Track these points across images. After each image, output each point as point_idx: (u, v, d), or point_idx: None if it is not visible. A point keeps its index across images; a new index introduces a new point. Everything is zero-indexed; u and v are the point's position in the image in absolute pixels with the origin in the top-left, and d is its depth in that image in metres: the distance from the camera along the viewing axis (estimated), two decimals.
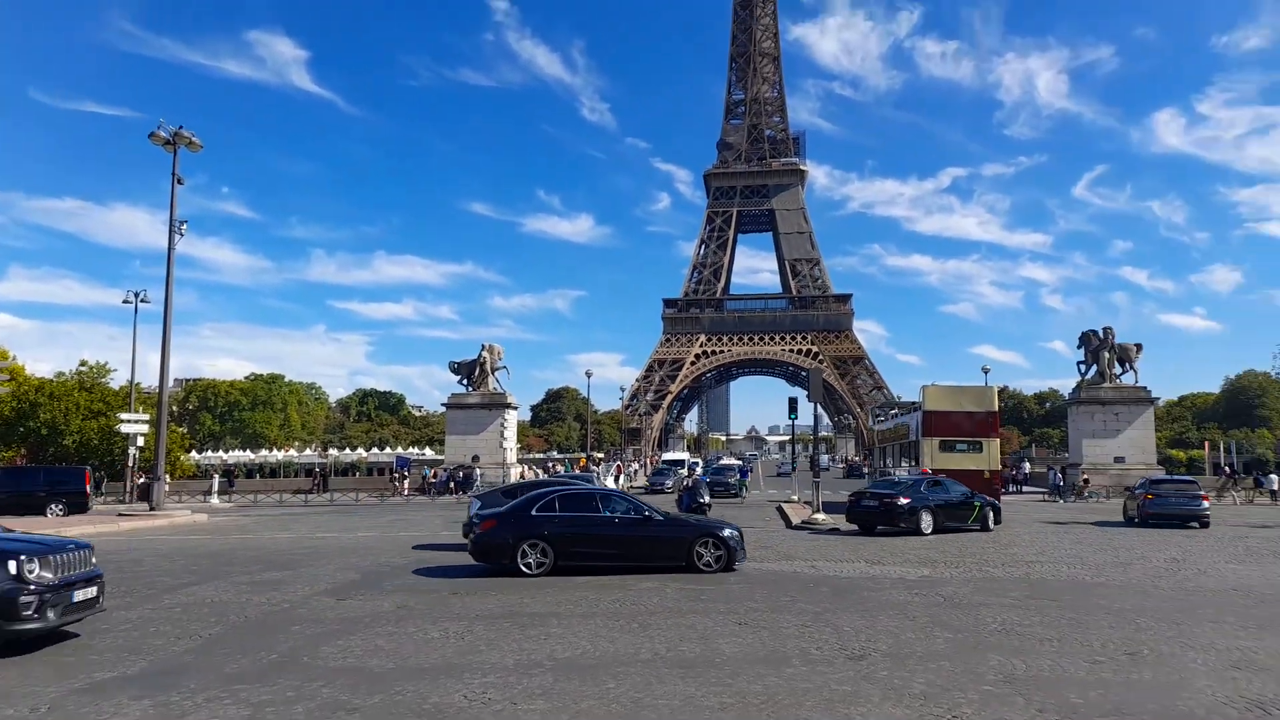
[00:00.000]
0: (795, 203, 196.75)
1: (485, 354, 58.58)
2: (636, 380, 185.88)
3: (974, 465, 34.09)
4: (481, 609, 13.11)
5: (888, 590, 14.89)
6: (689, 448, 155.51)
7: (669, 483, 52.80)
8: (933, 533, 25.12)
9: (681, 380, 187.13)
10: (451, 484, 52.00)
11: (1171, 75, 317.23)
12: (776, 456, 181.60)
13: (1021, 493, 50.21)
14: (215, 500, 46.08)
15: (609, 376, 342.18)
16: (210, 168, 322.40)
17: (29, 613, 9.62)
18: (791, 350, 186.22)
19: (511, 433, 58.98)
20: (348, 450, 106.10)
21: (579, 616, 12.40)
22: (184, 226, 34.32)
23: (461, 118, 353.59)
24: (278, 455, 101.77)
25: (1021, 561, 19.14)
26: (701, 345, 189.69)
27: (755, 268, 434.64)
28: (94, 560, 11.06)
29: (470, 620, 12.17)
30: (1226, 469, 52.93)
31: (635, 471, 76.13)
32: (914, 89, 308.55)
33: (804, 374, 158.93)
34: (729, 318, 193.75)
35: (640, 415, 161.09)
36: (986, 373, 62.99)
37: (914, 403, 42.44)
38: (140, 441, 44.04)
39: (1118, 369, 52.27)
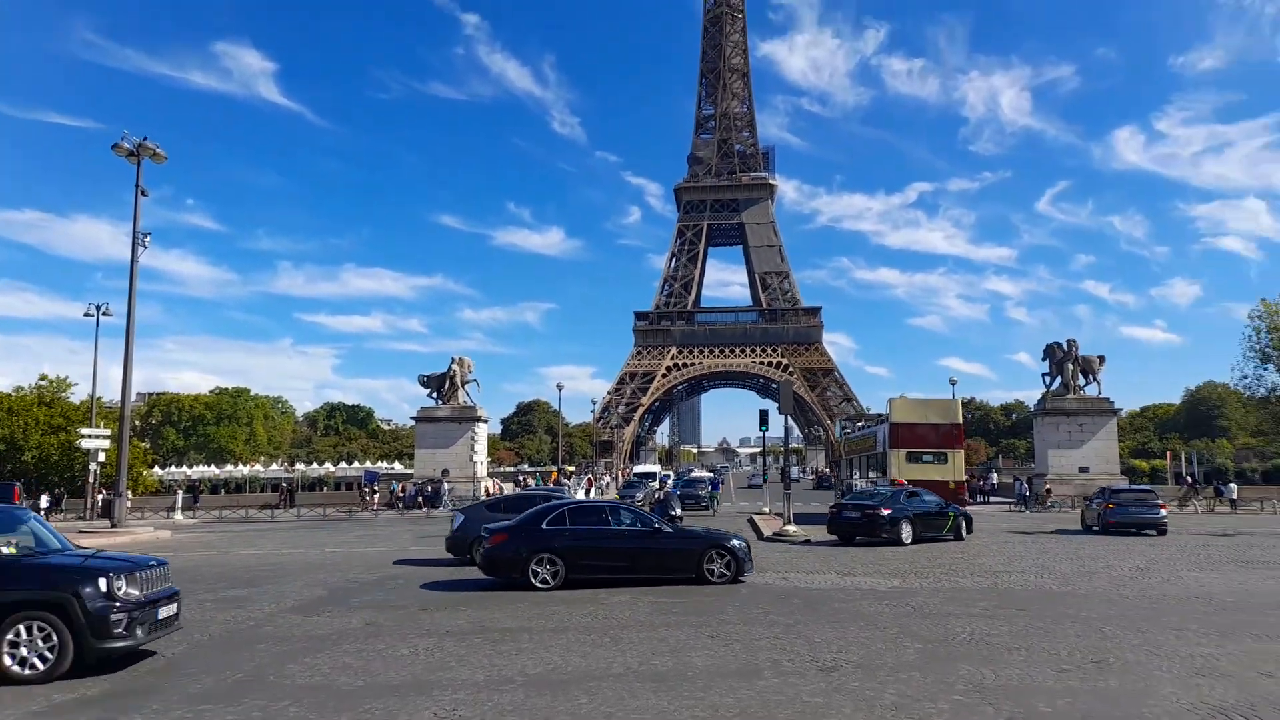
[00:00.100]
0: (765, 216, 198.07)
1: (455, 367, 58.20)
2: (608, 393, 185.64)
3: (939, 476, 34.58)
4: (451, 625, 12.98)
5: (859, 601, 14.96)
6: (661, 460, 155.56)
7: (639, 496, 52.57)
8: (913, 543, 25.50)
9: (653, 393, 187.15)
10: (419, 498, 51.52)
11: (1131, 94, 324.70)
12: (748, 468, 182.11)
13: (989, 503, 50.75)
14: (179, 517, 45.28)
15: (580, 389, 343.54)
16: (175, 179, 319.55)
17: (119, 630, 9.58)
18: (762, 363, 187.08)
19: (482, 446, 58.60)
20: (315, 465, 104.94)
21: (550, 631, 12.32)
22: (148, 238, 33.84)
23: (431, 131, 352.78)
24: (243, 470, 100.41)
25: (990, 571, 19.32)
26: (673, 358, 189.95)
27: (726, 281, 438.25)
28: (170, 577, 11.10)
29: (440, 636, 12.04)
30: (1188, 478, 53.88)
31: (607, 485, 75.91)
32: (881, 105, 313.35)
33: (775, 386, 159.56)
34: (700, 330, 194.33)
35: (612, 428, 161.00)
36: (954, 384, 63.57)
37: (881, 415, 42.82)
38: (102, 457, 43.15)
39: (1081, 381, 53.09)
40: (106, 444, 41.67)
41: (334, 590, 17.02)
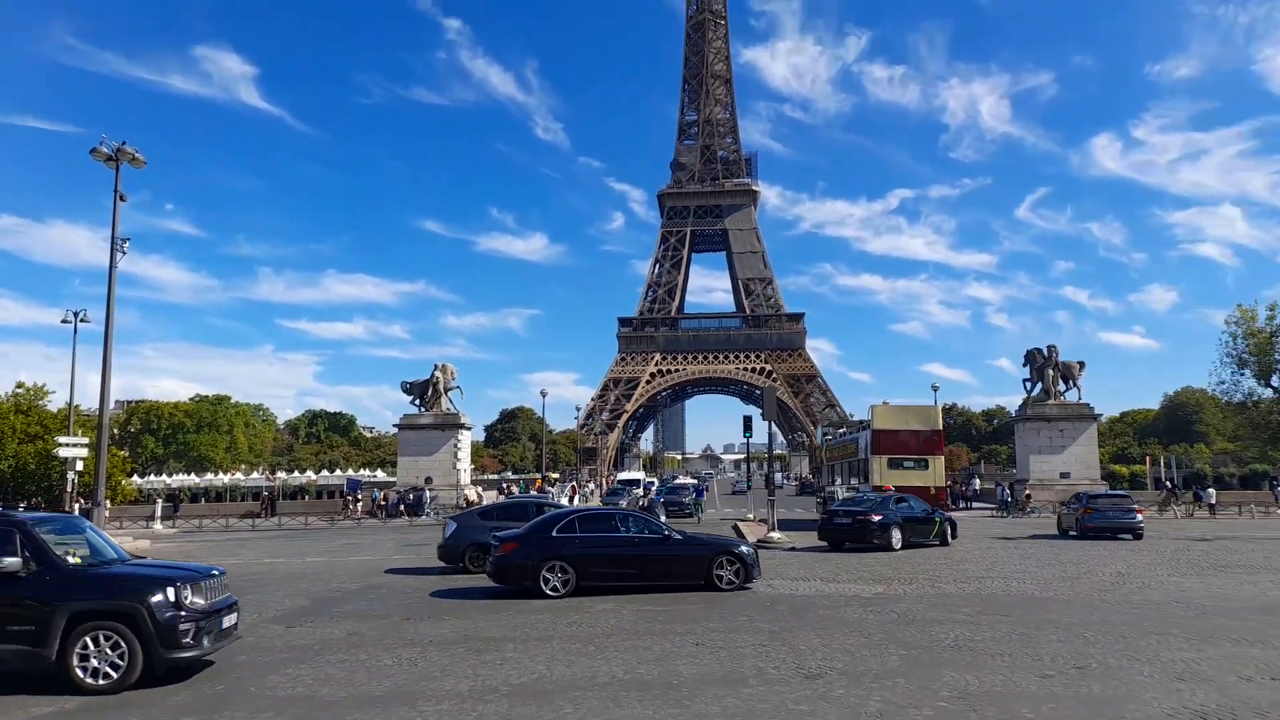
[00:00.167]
0: (748, 223, 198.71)
1: (438, 374, 57.93)
2: (592, 399, 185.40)
3: (920, 482, 34.94)
4: (435, 634, 12.90)
5: (843, 608, 14.99)
6: (645, 467, 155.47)
7: (623, 503, 52.57)
8: (902, 548, 25.87)
9: (637, 399, 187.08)
10: (401, 507, 51.23)
11: (1108, 101, 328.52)
12: (732, 475, 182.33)
13: (971, 508, 51.00)
14: (158, 526, 44.79)
15: (564, 396, 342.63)
16: (154, 184, 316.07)
17: (188, 640, 9.57)
18: (745, 369, 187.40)
19: (465, 454, 58.34)
20: (296, 473, 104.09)
21: (535, 640, 12.27)
22: (126, 244, 33.48)
23: (414, 136, 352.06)
24: (223, 479, 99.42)
25: (973, 577, 19.42)
26: (657, 364, 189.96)
27: (709, 287, 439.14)
28: (228, 586, 11.09)
29: (424, 646, 11.97)
30: (1168, 484, 54.28)
31: (591, 492, 75.76)
32: (862, 112, 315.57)
33: (758, 392, 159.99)
34: (684, 336, 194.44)
35: (596, 435, 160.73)
36: (936, 390, 63.95)
37: (863, 421, 43.06)
38: (79, 466, 42.61)
39: (1062, 386, 53.47)
40: (84, 452, 41.20)
41: (316, 600, 16.89)
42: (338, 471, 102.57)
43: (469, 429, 60.81)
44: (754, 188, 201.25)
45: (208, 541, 35.61)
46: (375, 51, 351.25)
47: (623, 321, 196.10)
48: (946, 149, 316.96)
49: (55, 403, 72.20)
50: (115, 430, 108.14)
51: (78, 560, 10.00)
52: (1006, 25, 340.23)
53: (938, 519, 28.10)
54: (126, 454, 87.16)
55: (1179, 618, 13.78)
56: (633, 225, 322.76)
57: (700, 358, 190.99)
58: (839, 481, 46.33)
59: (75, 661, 9.25)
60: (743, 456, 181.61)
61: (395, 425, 60.60)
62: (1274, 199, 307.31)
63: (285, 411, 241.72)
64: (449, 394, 57.94)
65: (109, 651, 9.32)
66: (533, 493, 56.66)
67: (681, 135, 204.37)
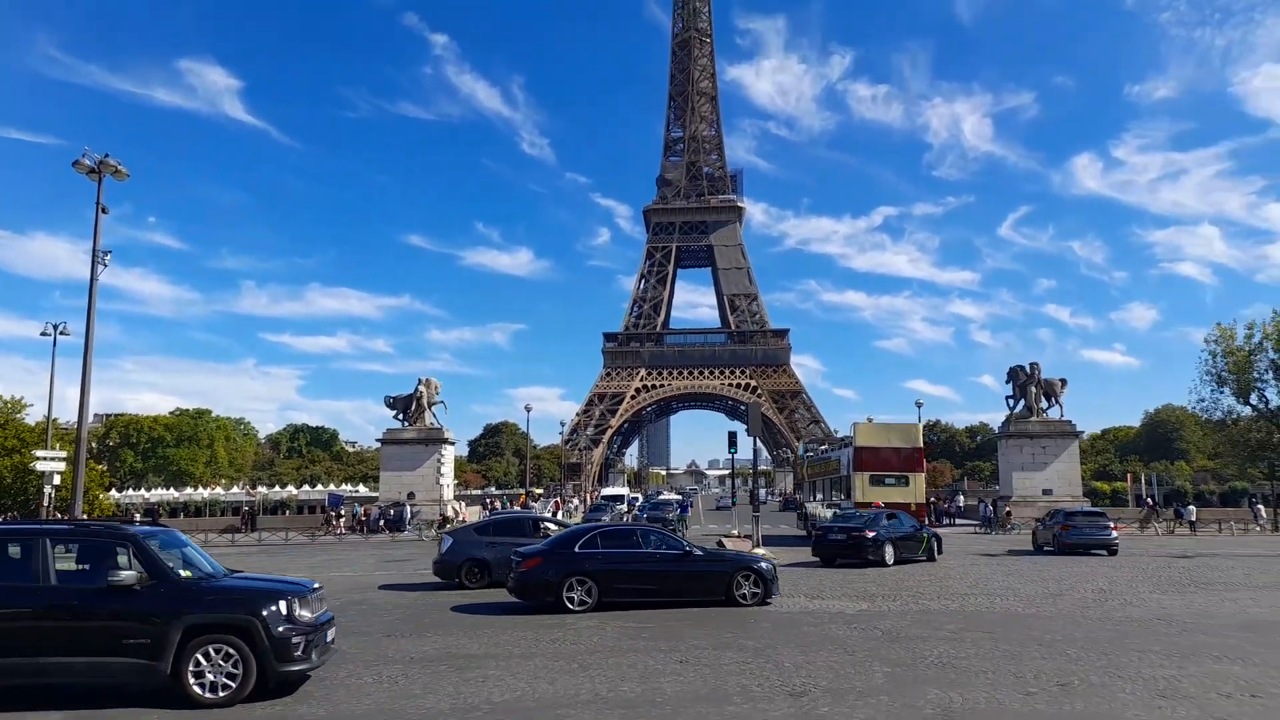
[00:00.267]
0: (733, 239, 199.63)
1: (422, 388, 57.68)
2: (576, 415, 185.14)
3: (901, 498, 35.22)
4: (417, 651, 12.78)
5: (827, 625, 14.97)
6: (629, 482, 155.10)
7: (606, 519, 52.42)
8: (895, 564, 26.15)
9: (622, 414, 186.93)
10: (382, 522, 50.84)
11: (1089, 121, 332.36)
12: (716, 490, 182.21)
13: (954, 525, 51.16)
14: None
15: (549, 411, 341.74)
16: (137, 197, 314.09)
17: (298, 653, 9.56)
18: (731, 384, 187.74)
19: (449, 469, 58.04)
20: (277, 488, 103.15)
21: (518, 657, 12.17)
22: (108, 257, 33.21)
23: (400, 150, 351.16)
24: (203, 493, 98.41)
25: (956, 594, 19.44)
26: (642, 379, 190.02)
27: (695, 302, 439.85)
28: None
29: (405, 664, 11.85)
30: (1149, 500, 54.64)
31: (575, 507, 75.49)
32: (846, 130, 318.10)
33: (743, 408, 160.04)
34: (669, 352, 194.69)
35: (580, 450, 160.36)
36: (920, 406, 64.21)
37: (845, 438, 43.24)
38: (57, 480, 42.08)
39: (1044, 403, 53.85)
40: (62, 466, 40.69)
41: None
42: (319, 486, 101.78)
43: (452, 444, 60.54)
44: (739, 204, 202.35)
45: None
46: (361, 66, 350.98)
47: (608, 337, 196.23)
48: (930, 167, 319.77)
49: (33, 416, 71.39)
50: (94, 444, 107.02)
51: (187, 573, 9.95)
52: (988, 46, 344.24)
53: (925, 535, 28.69)
54: (105, 468, 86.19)
55: (1161, 635, 13.83)
56: (619, 241, 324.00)
57: (685, 373, 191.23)
58: (819, 497, 46.47)
59: (190, 673, 9.23)
60: (727, 472, 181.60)
61: (378, 440, 60.24)
62: (1251, 219, 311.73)
63: (267, 425, 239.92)
64: (432, 408, 57.68)
65: (223, 664, 9.32)
66: (516, 508, 56.42)
67: (667, 151, 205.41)
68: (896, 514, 29.18)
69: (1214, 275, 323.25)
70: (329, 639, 10.35)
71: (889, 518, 28.24)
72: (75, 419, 37.40)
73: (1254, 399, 52.45)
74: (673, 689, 10.12)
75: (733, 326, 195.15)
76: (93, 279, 33.74)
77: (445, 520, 48.93)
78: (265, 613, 9.40)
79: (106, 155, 33.56)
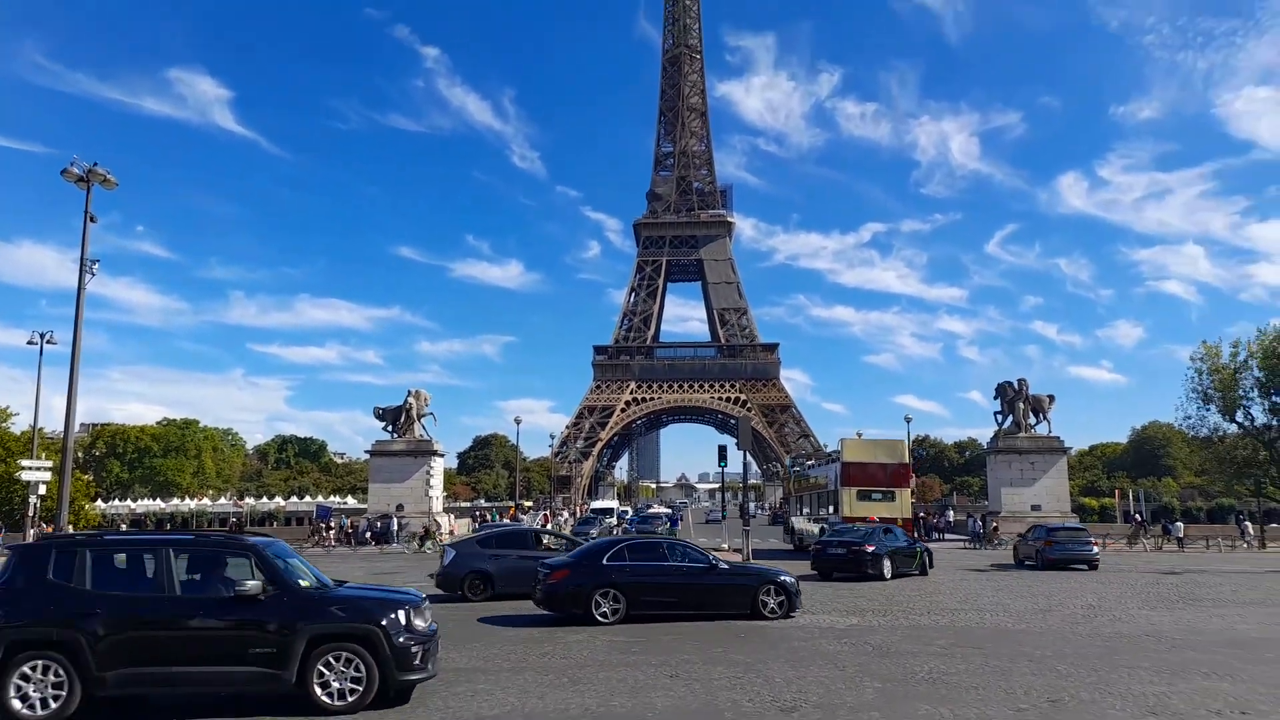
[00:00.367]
0: (723, 253, 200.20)
1: (411, 400, 57.48)
2: (566, 427, 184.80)
3: (888, 513, 35.33)
4: None
5: (818, 639, 14.94)
6: (619, 496, 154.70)
7: (595, 532, 52.22)
8: (892, 577, 26.38)
9: (612, 427, 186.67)
10: (369, 534, 50.51)
11: (1074, 141, 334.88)
12: (706, 504, 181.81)
13: (944, 540, 51.17)
14: None
15: (539, 423, 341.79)
16: (125, 206, 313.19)
17: (417, 662, 9.68)
18: (720, 398, 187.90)
19: (438, 481, 57.78)
20: (265, 499, 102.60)
21: (507, 671, 12.10)
22: (96, 266, 33.04)
23: (390, 162, 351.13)
24: (190, 504, 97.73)
25: (946, 609, 19.44)
26: (632, 392, 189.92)
27: (685, 316, 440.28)
28: None
29: None
30: (1137, 516, 54.79)
31: (564, 520, 75.20)
32: (835, 147, 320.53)
33: (733, 422, 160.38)
34: (659, 365, 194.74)
35: (570, 463, 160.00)
36: (909, 422, 64.68)
37: (833, 453, 43.35)
38: (42, 490, 41.74)
39: (1032, 419, 54.01)
40: (48, 476, 40.36)
41: None
42: (307, 498, 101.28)
43: (442, 456, 60.27)
44: (729, 219, 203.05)
45: None
46: (352, 77, 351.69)
47: (598, 350, 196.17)
48: (918, 184, 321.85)
49: (19, 425, 70.88)
50: (80, 454, 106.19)
51: (306, 583, 9.98)
52: (976, 66, 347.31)
53: (919, 550, 29.07)
54: (91, 478, 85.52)
55: (1150, 651, 13.86)
56: (609, 254, 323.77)
57: (675, 387, 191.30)
58: (805, 512, 46.51)
59: (315, 681, 9.29)
60: (717, 486, 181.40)
61: (367, 451, 59.93)
62: (1235, 238, 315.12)
63: (255, 436, 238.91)
64: (422, 420, 57.47)
65: (345, 670, 9.39)
66: (505, 521, 56.23)
67: (658, 166, 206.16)
68: (891, 528, 29.48)
69: (1199, 294, 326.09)
70: (439, 649, 10.60)
71: (885, 532, 28.48)
72: (61, 428, 37.10)
73: (1240, 416, 52.82)
74: (664, 703, 10.08)
75: (722, 340, 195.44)
76: (80, 288, 33.54)
77: (427, 532, 48.66)
78: (385, 622, 9.54)
79: (95, 164, 33.42)
